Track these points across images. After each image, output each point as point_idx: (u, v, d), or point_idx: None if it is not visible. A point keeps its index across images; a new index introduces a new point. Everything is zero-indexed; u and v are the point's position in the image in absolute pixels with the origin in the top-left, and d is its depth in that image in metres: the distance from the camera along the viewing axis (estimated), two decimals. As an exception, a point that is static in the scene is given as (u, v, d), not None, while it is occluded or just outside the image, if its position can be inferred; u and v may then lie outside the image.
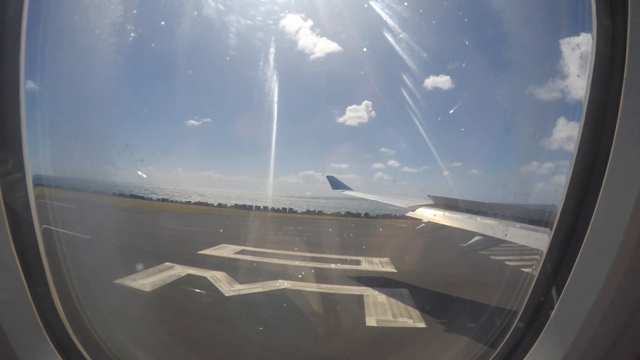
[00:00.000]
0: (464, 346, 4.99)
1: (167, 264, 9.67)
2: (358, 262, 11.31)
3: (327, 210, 32.30)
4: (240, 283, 8.60)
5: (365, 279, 9.33)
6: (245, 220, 23.75)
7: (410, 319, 6.63)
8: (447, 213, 7.87)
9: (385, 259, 11.46)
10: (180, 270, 9.28)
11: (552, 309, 1.64)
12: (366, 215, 26.48)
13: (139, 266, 8.97)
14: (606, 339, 1.46)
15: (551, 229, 1.77)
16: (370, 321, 6.53)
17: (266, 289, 8.27)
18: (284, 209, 32.54)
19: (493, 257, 10.85)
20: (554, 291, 1.67)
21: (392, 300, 7.54)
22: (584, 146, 1.61)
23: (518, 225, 5.76)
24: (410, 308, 7.09)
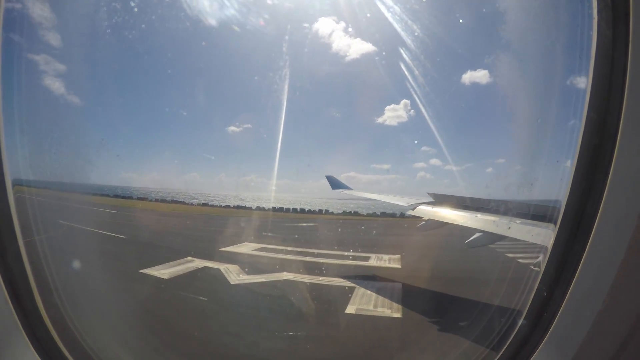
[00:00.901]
0: (454, 346, 5.06)
1: (189, 258, 10.63)
2: (363, 258, 11.61)
3: (362, 211, 32.26)
4: (248, 274, 9.27)
5: (363, 274, 9.64)
6: (274, 221, 24.55)
7: (389, 310, 6.83)
8: (447, 210, 7.84)
9: (390, 256, 11.76)
10: (198, 263, 10.14)
11: (559, 307, 1.58)
12: (383, 214, 26.39)
13: (165, 259, 10.09)
14: (616, 338, 1.41)
15: (555, 225, 1.72)
16: (350, 309, 6.81)
17: (268, 280, 8.88)
18: (320, 211, 33.11)
19: (496, 254, 10.78)
20: (560, 289, 1.62)
21: (382, 293, 7.80)
22: (588, 140, 1.57)
23: (520, 221, 5.67)
24: (394, 301, 7.32)
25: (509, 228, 5.80)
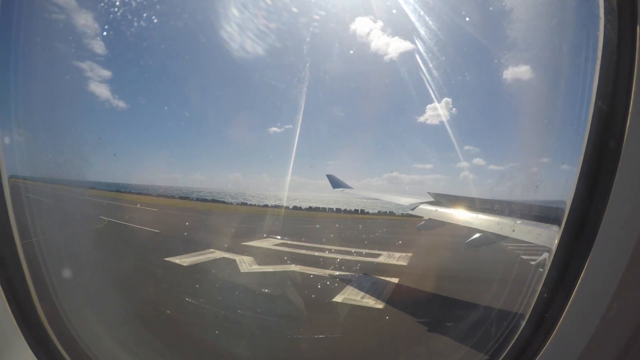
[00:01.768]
0: (446, 348, 5.16)
1: (211, 250, 11.61)
2: (372, 255, 12.08)
3: (384, 210, 31.95)
4: (259, 265, 10.01)
5: (367, 269, 10.01)
6: (304, 220, 25.29)
7: (374, 302, 7.19)
8: (447, 210, 7.93)
9: (396, 253, 12.10)
10: (218, 255, 11.06)
11: (562, 310, 1.56)
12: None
13: (190, 250, 11.16)
14: (620, 342, 1.40)
15: (560, 226, 1.71)
16: (337, 299, 7.27)
17: (275, 270, 9.58)
18: (356, 210, 33.31)
19: (510, 255, 10.68)
20: (564, 291, 1.59)
21: (374, 287, 8.17)
22: (594, 141, 1.56)
23: (522, 222, 5.69)
24: (383, 295, 7.68)
25: (513, 230, 5.79)
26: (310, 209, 35.66)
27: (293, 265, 10.08)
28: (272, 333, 5.85)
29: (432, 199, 8.61)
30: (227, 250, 11.81)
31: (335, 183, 12.29)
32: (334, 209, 34.45)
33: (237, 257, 10.70)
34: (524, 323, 1.83)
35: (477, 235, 6.60)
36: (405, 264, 11.00)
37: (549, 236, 4.49)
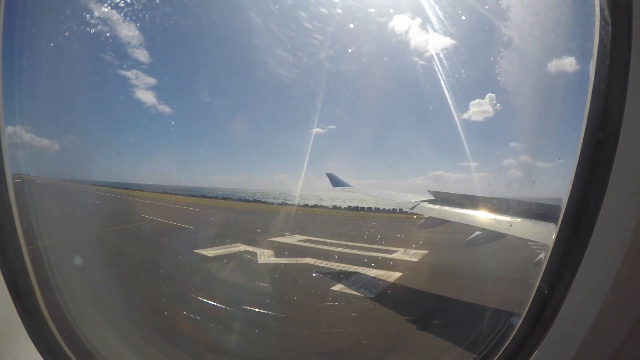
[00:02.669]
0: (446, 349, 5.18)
1: (238, 244, 12.70)
2: (386, 251, 12.49)
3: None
4: (277, 257, 10.95)
5: (371, 263, 10.42)
6: (340, 219, 26.17)
7: (369, 293, 7.69)
8: (447, 208, 8.00)
9: (406, 249, 12.45)
10: (242, 248, 12.11)
11: (559, 306, 1.58)
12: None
13: (218, 244, 12.39)
14: (617, 337, 1.42)
15: (556, 223, 1.72)
16: (335, 287, 7.94)
17: (289, 262, 10.44)
18: (394, 210, 33.39)
19: (498, 252, 10.24)
20: (561, 288, 1.60)
21: (374, 280, 8.70)
22: (590, 137, 1.57)
23: (521, 219, 5.75)
24: (380, 287, 8.15)
25: (510, 226, 5.84)
26: (349, 208, 36.07)
27: (307, 259, 10.84)
28: (260, 311, 6.57)
29: (432, 197, 8.70)
30: (253, 244, 12.83)
31: (335, 182, 12.53)
32: (351, 207, 34.65)
33: (259, 251, 11.68)
34: (521, 320, 1.83)
35: (477, 233, 6.70)
36: (415, 259, 11.40)
37: (548, 233, 4.59)
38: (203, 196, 45.92)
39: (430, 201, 8.69)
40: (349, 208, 34.30)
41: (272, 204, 40.99)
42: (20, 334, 1.63)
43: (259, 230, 17.50)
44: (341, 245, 13.50)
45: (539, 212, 5.45)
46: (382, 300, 7.37)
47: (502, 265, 9.63)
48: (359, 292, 7.68)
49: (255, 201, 44.15)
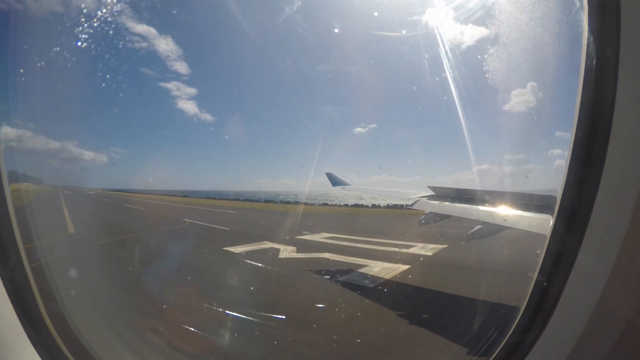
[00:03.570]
0: (446, 344, 5.12)
1: (265, 241, 13.90)
2: (399, 246, 13.06)
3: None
4: (297, 253, 11.89)
5: (387, 258, 10.90)
6: (370, 217, 26.73)
7: (378, 287, 8.16)
8: (447, 203, 8.08)
9: (419, 244, 12.88)
10: (268, 245, 13.23)
11: (557, 300, 1.59)
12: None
13: (247, 242, 13.63)
14: (614, 331, 1.42)
15: (553, 215, 1.73)
16: (341, 279, 8.67)
17: (307, 257, 11.33)
18: (401, 206, 33.13)
19: (499, 245, 10.22)
20: (558, 281, 1.61)
21: (382, 273, 9.21)
22: (582, 130, 1.58)
23: (519, 211, 5.89)
24: (388, 282, 8.52)
25: (506, 219, 5.98)
26: (388, 206, 36.39)
27: (326, 254, 11.56)
28: (268, 297, 7.49)
29: (431, 192, 8.81)
30: (279, 242, 13.85)
31: (335, 181, 12.73)
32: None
33: (283, 247, 12.68)
34: (520, 312, 1.85)
35: (478, 226, 6.72)
36: (429, 253, 11.82)
37: (544, 224, 4.79)
38: (246, 200, 48.43)
39: (430, 196, 8.79)
40: (356, 205, 35.59)
41: (312, 204, 41.72)
42: (23, 344, 1.60)
43: (289, 229, 18.69)
44: (359, 242, 14.19)
45: (537, 204, 5.57)
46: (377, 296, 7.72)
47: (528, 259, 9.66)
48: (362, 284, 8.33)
49: (296, 202, 45.40)
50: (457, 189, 8.49)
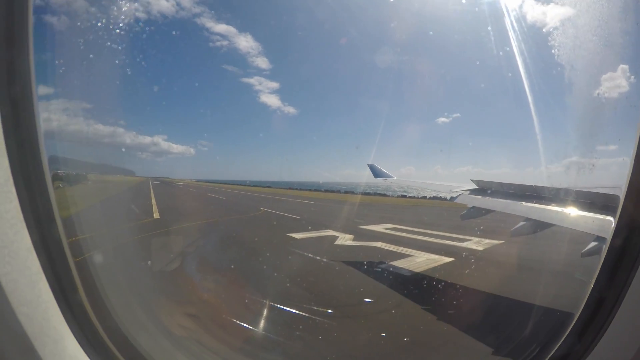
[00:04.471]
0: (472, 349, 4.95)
1: (327, 230, 14.97)
2: (458, 240, 12.96)
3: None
4: (353, 241, 12.60)
5: (440, 251, 11.06)
6: (415, 208, 26.77)
7: (420, 277, 8.60)
8: (490, 198, 7.95)
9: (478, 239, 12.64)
10: (328, 233, 14.23)
11: (616, 307, 1.47)
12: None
13: (310, 229, 14.98)
14: None
15: (614, 215, 1.62)
16: (381, 265, 9.32)
17: (360, 245, 11.95)
18: (449, 199, 31.17)
19: (549, 244, 10.13)
20: (619, 285, 1.49)
21: (429, 263, 9.60)
22: None
23: (570, 209, 5.63)
24: (431, 274, 8.75)
25: (556, 215, 5.81)
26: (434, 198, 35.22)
27: (380, 243, 12.03)
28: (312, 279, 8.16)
29: (475, 186, 8.73)
30: (340, 230, 14.67)
31: (377, 173, 12.65)
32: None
33: (341, 235, 13.47)
34: (575, 317, 1.74)
35: (521, 223, 6.60)
36: (479, 248, 11.76)
37: (601, 225, 4.61)
38: (326, 190, 50.48)
39: (473, 191, 8.75)
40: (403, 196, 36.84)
41: (390, 196, 41.73)
42: (65, 334, 1.53)
43: (356, 219, 19.43)
44: (416, 233, 14.48)
45: (592, 202, 5.32)
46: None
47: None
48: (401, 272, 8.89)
49: (377, 194, 45.71)
50: (500, 183, 8.39)
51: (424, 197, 32.85)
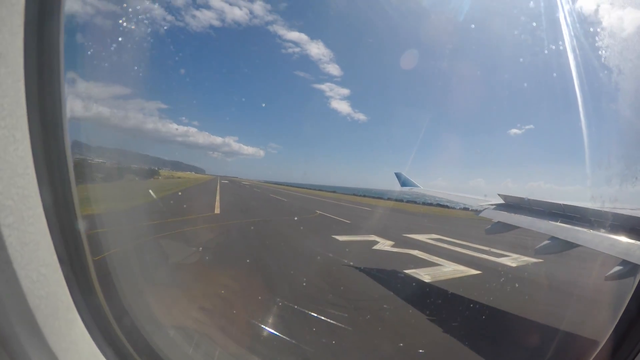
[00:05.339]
0: None
1: (372, 235, 15.57)
2: (489, 253, 13.10)
3: None
4: (391, 248, 13.03)
5: (471, 264, 11.20)
6: (440, 218, 26.94)
7: (429, 277, 9.20)
8: (517, 214, 7.88)
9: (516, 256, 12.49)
10: (372, 238, 14.56)
11: None
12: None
13: (356, 234, 15.86)
14: None
15: None
16: (407, 271, 9.73)
17: (397, 251, 12.33)
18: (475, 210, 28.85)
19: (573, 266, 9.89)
20: None
21: (450, 274, 9.78)
22: None
23: (599, 230, 5.64)
24: (458, 286, 8.81)
25: (582, 236, 5.76)
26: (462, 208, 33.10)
27: (416, 251, 12.38)
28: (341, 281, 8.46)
29: (502, 201, 8.67)
30: (384, 237, 15.03)
31: (404, 182, 12.41)
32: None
33: (382, 241, 13.91)
34: (603, 342, 1.67)
35: (546, 241, 6.63)
36: (513, 264, 11.73)
37: (625, 248, 4.65)
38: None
39: (499, 205, 8.69)
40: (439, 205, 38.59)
41: (452, 208, 40.55)
42: (73, 318, 1.47)
43: (403, 228, 19.91)
44: (457, 245, 14.65)
45: (624, 225, 5.30)
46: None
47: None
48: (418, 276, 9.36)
49: (439, 205, 44.54)
50: (528, 199, 8.29)
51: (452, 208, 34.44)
